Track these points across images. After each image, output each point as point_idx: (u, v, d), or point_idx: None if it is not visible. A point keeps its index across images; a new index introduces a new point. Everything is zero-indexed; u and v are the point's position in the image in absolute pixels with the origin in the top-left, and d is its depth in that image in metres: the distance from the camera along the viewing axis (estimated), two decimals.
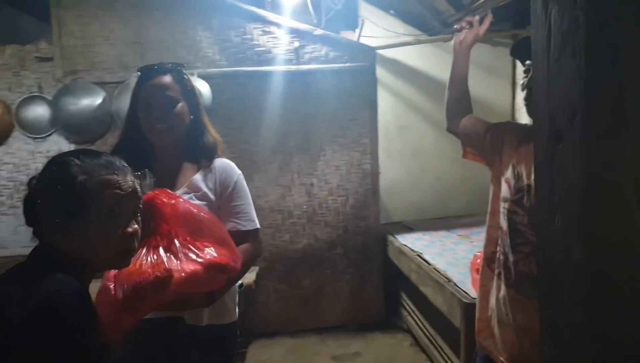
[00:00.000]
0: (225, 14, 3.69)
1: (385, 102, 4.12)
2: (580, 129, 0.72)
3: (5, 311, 0.93)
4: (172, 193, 1.49)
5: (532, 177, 1.43)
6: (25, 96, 3.59)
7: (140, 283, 1.29)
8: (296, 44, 3.76)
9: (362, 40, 4.05)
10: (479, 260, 2.49)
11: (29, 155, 3.64)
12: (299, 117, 3.80)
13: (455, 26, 1.81)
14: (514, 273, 1.47)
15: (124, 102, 3.55)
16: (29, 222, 1.08)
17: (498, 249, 1.56)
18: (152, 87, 1.59)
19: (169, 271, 1.31)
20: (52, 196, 1.03)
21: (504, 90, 4.38)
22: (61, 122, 3.57)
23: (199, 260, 1.37)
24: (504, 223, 1.52)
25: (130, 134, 1.66)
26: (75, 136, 3.63)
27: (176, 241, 1.38)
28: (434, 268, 2.92)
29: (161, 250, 1.36)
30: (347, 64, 3.81)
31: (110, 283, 1.36)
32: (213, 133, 1.73)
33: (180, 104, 1.61)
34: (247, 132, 3.73)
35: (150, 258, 1.34)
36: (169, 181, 1.61)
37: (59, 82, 3.58)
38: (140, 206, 1.15)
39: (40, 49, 3.59)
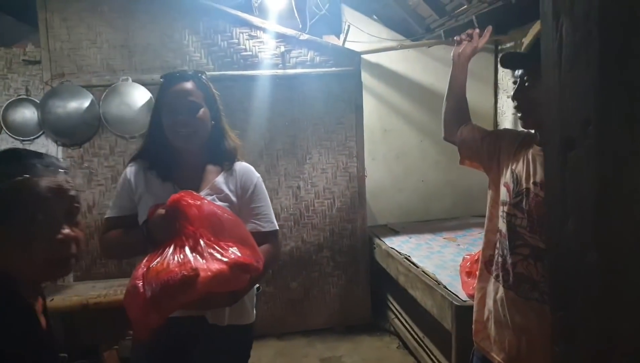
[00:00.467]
0: (211, 18, 3.68)
1: (369, 106, 4.15)
2: (595, 137, 0.75)
3: None
4: (197, 194, 1.52)
5: (532, 181, 1.47)
6: (13, 98, 3.56)
7: (168, 282, 1.33)
8: (282, 48, 3.78)
9: (347, 45, 4.08)
10: (468, 263, 2.55)
11: None
12: (285, 121, 3.81)
13: (455, 38, 1.84)
14: (513, 275, 1.50)
15: (111, 105, 3.55)
16: None
17: (496, 252, 1.60)
18: (176, 93, 1.64)
19: (195, 270, 1.35)
20: None
21: (486, 95, 4.46)
22: (49, 125, 3.53)
23: (224, 259, 1.41)
24: (502, 226, 1.56)
25: (154, 138, 1.71)
26: (62, 138, 3.59)
27: (201, 241, 1.42)
28: (423, 271, 2.95)
29: (187, 250, 1.40)
30: (333, 69, 3.85)
31: (139, 282, 1.39)
32: (233, 138, 1.79)
33: (202, 109, 1.65)
34: None
35: (177, 257, 1.38)
36: (193, 183, 1.65)
37: (47, 85, 3.54)
38: (77, 205, 1.03)
39: (28, 52, 3.56)
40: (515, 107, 1.54)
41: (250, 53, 3.75)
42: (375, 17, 4.41)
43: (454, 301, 2.41)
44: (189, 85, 1.65)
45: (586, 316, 0.80)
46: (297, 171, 3.87)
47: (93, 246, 3.63)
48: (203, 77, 1.71)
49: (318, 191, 3.90)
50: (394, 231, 4.08)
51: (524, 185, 1.49)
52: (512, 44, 4.07)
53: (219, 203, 1.62)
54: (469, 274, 2.49)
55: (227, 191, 1.68)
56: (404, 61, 4.36)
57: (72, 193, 1.01)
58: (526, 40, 3.49)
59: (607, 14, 0.73)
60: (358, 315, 3.99)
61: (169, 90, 1.65)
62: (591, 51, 0.75)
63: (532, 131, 1.58)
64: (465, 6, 3.55)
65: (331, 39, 4.19)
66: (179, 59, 3.65)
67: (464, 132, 1.77)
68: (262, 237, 1.68)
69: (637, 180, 0.72)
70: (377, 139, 4.38)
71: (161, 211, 1.48)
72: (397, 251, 3.47)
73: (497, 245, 1.59)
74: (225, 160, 1.73)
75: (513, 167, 1.55)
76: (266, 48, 3.76)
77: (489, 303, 1.61)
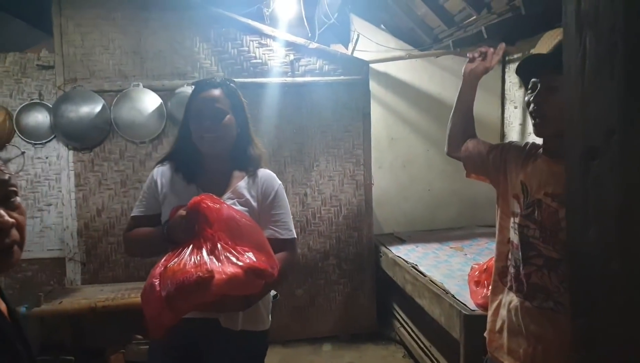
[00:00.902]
0: (222, 25, 3.73)
1: (376, 114, 4.17)
2: (619, 146, 0.76)
3: None
4: (217, 198, 1.55)
5: (543, 192, 1.48)
6: (26, 102, 3.61)
7: (183, 282, 1.36)
8: (291, 56, 3.81)
9: (355, 54, 4.11)
10: (477, 273, 2.55)
11: (28, 160, 3.65)
12: (293, 128, 3.83)
13: (468, 55, 1.80)
14: (527, 285, 1.51)
15: (122, 110, 3.58)
16: None
17: (509, 262, 1.60)
18: (203, 99, 1.68)
19: (210, 272, 1.38)
20: None
21: (493, 105, 4.47)
22: (60, 129, 3.57)
23: (239, 263, 1.43)
24: (514, 237, 1.56)
25: (182, 142, 1.76)
26: (74, 142, 3.63)
27: (219, 245, 1.44)
28: (431, 280, 2.95)
29: (204, 252, 1.43)
30: (341, 77, 3.87)
31: (156, 280, 1.42)
32: (259, 146, 1.82)
33: (228, 116, 1.68)
34: None
35: (194, 258, 1.41)
36: (217, 187, 1.68)
37: (60, 90, 3.58)
38: (13, 189, 0.93)
39: (42, 57, 3.61)
40: (531, 113, 1.50)
41: (260, 61, 3.78)
42: (383, 26, 4.45)
43: (462, 310, 2.41)
44: (216, 92, 1.68)
45: (609, 323, 0.81)
46: (304, 178, 3.88)
47: (100, 249, 3.65)
48: (232, 85, 1.75)
49: (325, 198, 3.91)
50: (400, 240, 4.08)
51: (535, 196, 1.49)
52: (519, 55, 4.09)
53: (239, 207, 1.65)
54: (478, 283, 2.49)
55: (248, 196, 1.70)
56: (412, 71, 4.38)
57: (5, 176, 0.92)
58: (535, 51, 3.50)
59: (633, 26, 0.75)
60: (363, 323, 3.98)
61: (198, 96, 1.69)
62: (616, 62, 0.77)
63: (537, 142, 1.58)
64: (474, 17, 3.58)
65: (339, 48, 4.23)
66: (189, 65, 3.69)
67: (470, 146, 1.77)
68: (280, 244, 1.69)
69: None
70: (384, 148, 4.39)
71: (182, 212, 1.51)
72: (404, 259, 3.48)
73: (509, 256, 1.60)
74: (250, 166, 1.76)
75: (522, 178, 1.56)
76: (275, 56, 3.80)
77: (503, 313, 1.61)
